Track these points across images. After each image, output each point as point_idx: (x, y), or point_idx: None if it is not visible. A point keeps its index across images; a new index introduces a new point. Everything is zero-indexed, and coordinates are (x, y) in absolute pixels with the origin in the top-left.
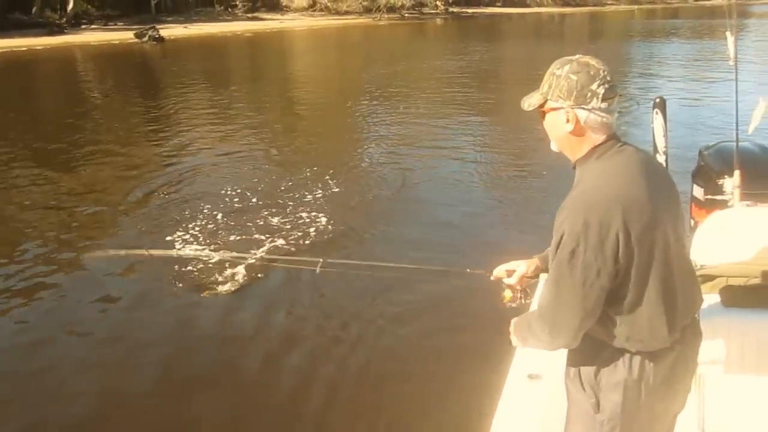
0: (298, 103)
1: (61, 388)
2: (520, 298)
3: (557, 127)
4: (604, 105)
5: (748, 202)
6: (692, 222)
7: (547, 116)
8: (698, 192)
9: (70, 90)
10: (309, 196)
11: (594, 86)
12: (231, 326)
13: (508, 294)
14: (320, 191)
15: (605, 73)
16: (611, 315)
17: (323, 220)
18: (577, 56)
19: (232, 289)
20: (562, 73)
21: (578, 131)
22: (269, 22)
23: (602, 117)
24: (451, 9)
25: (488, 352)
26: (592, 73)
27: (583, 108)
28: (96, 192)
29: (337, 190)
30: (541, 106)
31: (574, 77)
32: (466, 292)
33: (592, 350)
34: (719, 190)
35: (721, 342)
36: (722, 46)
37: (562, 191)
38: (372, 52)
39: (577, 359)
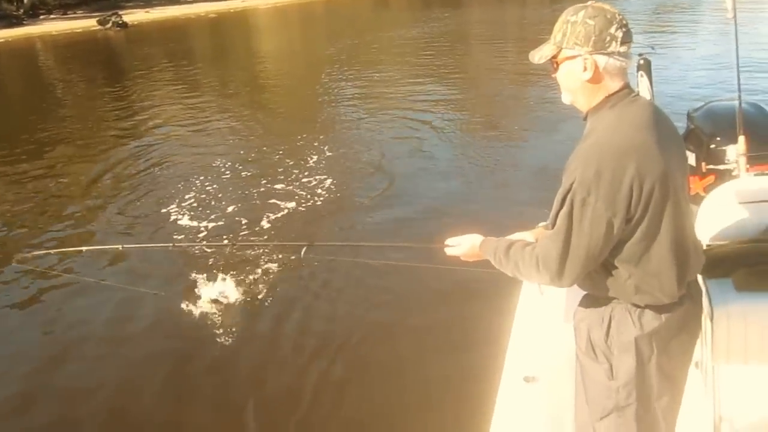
0: (267, 79)
1: None
2: None
3: (573, 77)
4: (623, 49)
5: (755, 172)
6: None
7: (562, 66)
8: (690, 158)
9: (38, 82)
10: (283, 172)
11: (612, 30)
12: (208, 316)
13: None
14: (294, 166)
15: (621, 16)
16: (620, 267)
17: (302, 198)
18: (589, 2)
19: (215, 276)
20: (577, 19)
21: (596, 78)
22: (232, 2)
23: (621, 62)
24: None
25: (478, 348)
26: (608, 16)
27: (602, 53)
28: (73, 181)
29: (312, 163)
30: (555, 56)
31: (591, 22)
32: (453, 275)
33: (599, 311)
34: (713, 155)
35: (735, 329)
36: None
37: (550, 153)
38: (337, 25)
39: (586, 326)
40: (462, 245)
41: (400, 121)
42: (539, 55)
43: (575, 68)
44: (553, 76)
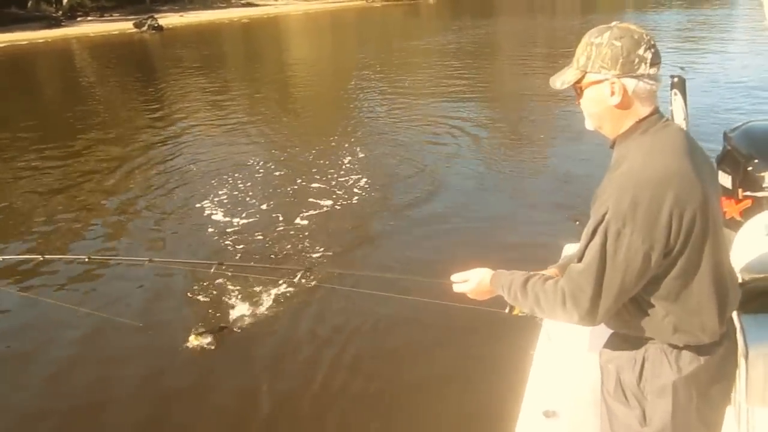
0: (297, 83)
1: None
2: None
3: (600, 102)
4: (652, 71)
5: None
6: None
7: (587, 92)
8: (725, 180)
9: (73, 80)
10: (310, 184)
11: (641, 51)
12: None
13: (517, 308)
14: (318, 176)
15: (649, 36)
16: (657, 305)
17: (311, 218)
18: (614, 23)
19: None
20: (602, 41)
21: (625, 103)
22: (264, 8)
23: (651, 85)
24: None
25: (495, 383)
26: (636, 37)
27: (631, 76)
28: (96, 177)
29: (339, 175)
30: (578, 81)
31: (617, 43)
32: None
33: (631, 353)
34: (750, 178)
35: None
36: (731, 15)
37: (582, 177)
38: (368, 32)
39: (614, 367)
40: (470, 281)
41: (426, 130)
42: (561, 81)
43: (602, 93)
44: (576, 102)
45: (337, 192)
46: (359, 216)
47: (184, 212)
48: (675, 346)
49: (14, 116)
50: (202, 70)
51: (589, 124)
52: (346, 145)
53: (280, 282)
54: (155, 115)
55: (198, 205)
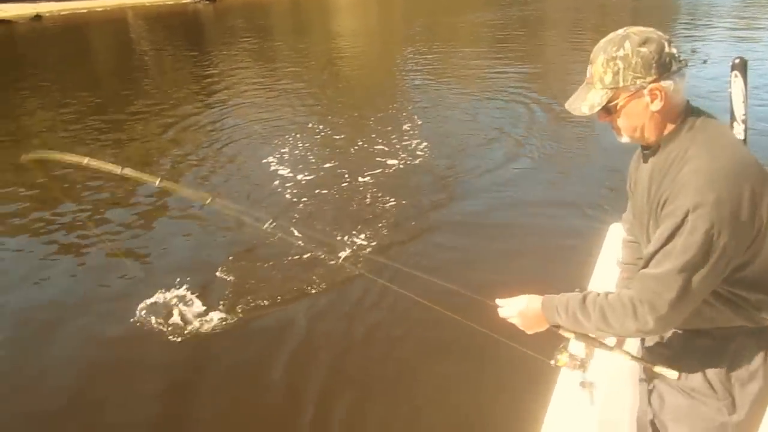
0: (350, 54)
1: None
2: (580, 365)
3: (640, 114)
4: (682, 65)
5: None
6: None
7: (625, 109)
8: None
9: (137, 49)
10: (346, 153)
11: (668, 49)
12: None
13: (563, 359)
14: (379, 141)
15: (661, 32)
16: (746, 293)
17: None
18: (621, 32)
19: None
20: (627, 52)
21: (666, 106)
22: None
23: (684, 80)
24: None
25: (531, 355)
26: (656, 37)
27: (668, 77)
28: (152, 135)
29: (400, 140)
30: (612, 99)
31: (644, 49)
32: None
33: (717, 344)
34: None
35: None
36: None
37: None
38: (417, 7)
39: (697, 363)
40: (517, 304)
41: (474, 106)
42: (588, 106)
43: (642, 103)
44: (602, 121)
45: (396, 160)
46: (419, 192)
47: (240, 168)
48: (762, 329)
49: (76, 80)
50: (256, 41)
51: (624, 138)
52: (404, 113)
53: (315, 259)
54: (211, 80)
55: (257, 163)
